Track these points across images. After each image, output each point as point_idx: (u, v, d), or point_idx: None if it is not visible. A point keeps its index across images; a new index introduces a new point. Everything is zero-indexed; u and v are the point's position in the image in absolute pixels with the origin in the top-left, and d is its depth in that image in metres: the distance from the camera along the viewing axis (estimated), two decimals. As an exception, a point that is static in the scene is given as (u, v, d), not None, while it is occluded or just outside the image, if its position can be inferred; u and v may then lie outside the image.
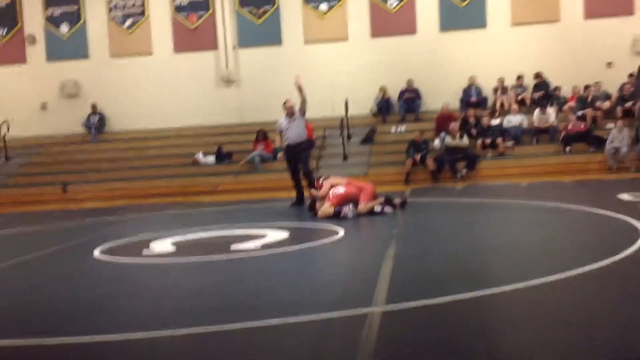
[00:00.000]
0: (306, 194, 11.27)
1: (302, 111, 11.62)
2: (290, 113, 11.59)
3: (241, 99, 19.42)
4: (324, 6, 18.85)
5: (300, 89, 11.40)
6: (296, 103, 11.56)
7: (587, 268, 5.45)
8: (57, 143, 19.49)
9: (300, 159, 11.61)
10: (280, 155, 12.06)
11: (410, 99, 18.31)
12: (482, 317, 4.34)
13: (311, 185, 11.05)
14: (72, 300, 5.61)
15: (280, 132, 11.78)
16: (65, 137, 19.69)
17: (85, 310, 5.26)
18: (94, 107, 19.52)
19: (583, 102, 17.05)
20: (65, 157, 18.87)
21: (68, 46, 19.86)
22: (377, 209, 9.58)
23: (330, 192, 9.69)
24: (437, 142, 16.28)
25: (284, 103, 11.80)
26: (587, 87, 17.33)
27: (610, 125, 16.26)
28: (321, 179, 10.20)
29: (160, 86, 19.48)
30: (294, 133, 11.54)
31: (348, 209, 9.30)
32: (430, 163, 15.55)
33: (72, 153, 19.02)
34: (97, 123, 19.50)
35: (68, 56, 19.82)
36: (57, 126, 19.75)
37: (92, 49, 19.85)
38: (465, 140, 15.85)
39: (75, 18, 19.85)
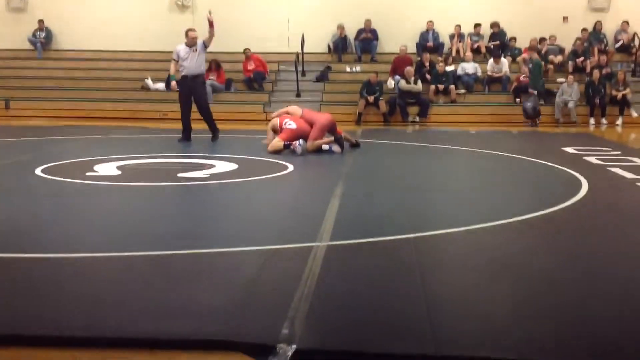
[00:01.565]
0: (196, 127, 11.06)
1: (205, 45, 11.01)
2: (191, 44, 10.94)
3: (195, 26, 18.72)
4: (285, -64, 18.31)
5: (210, 24, 10.86)
6: (203, 35, 11.04)
7: (527, 216, 5.58)
8: (0, 57, 18.76)
9: (196, 92, 11.06)
10: (173, 84, 11.38)
11: (367, 39, 18.15)
12: (420, 256, 4.43)
13: (209, 121, 10.84)
14: (9, 217, 5.49)
15: (177, 61, 10.99)
16: (9, 51, 18.95)
17: (22, 227, 5.16)
18: (40, 22, 18.77)
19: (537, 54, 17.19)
20: (9, 72, 18.20)
21: (16, -43, 18.93)
22: (325, 147, 9.58)
23: (283, 122, 9.62)
24: (390, 83, 16.26)
25: (187, 31, 11.12)
26: (542, 40, 17.45)
27: (561, 79, 16.48)
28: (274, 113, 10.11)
29: (112, 6, 18.78)
30: (194, 64, 10.89)
31: (298, 144, 9.27)
32: (382, 105, 15.56)
33: (17, 69, 18.36)
34: (43, 39, 18.81)
35: (15, -32, 18.92)
36: (1, 40, 18.97)
37: (41, -39, 18.99)
38: (419, 85, 15.87)
39: None
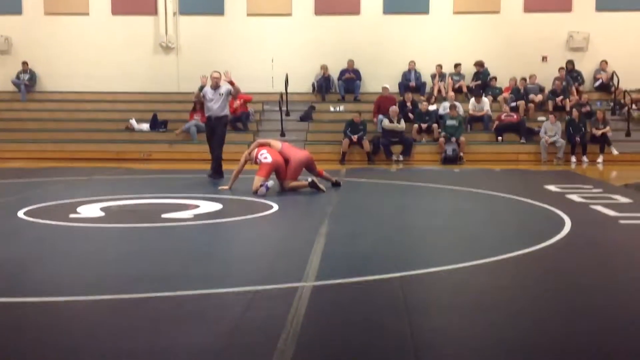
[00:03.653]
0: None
1: (232, 94, 11.64)
2: (215, 85, 11.44)
3: (179, 67, 19.06)
4: (268, -21, 18.58)
5: (231, 83, 11.45)
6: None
7: (512, 254, 5.61)
8: (-17, 99, 18.75)
9: (217, 132, 11.50)
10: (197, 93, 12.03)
11: (350, 79, 18.35)
12: (407, 296, 4.42)
13: (217, 160, 11.36)
14: (-7, 261, 5.43)
15: (202, 97, 11.66)
16: (-7, 93, 18.97)
17: (5, 271, 5.10)
18: (24, 64, 18.83)
19: (517, 93, 17.44)
20: (-8, 114, 18.20)
21: (0, 1, 19.03)
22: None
23: (259, 155, 9.60)
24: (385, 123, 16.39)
25: (212, 74, 11.62)
26: (522, 79, 17.72)
27: (541, 117, 16.71)
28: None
29: (95, 48, 18.90)
30: (218, 107, 11.42)
31: (264, 188, 9.21)
32: (366, 144, 15.66)
33: (0, 110, 18.35)
34: (27, 81, 18.84)
35: (0, 11, 19.02)
36: (-15, 82, 19.01)
37: (25, 5, 19.06)
38: (402, 124, 16.01)
39: (9, -29, 19.05)
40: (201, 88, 11.75)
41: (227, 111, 11.74)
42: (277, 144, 10.01)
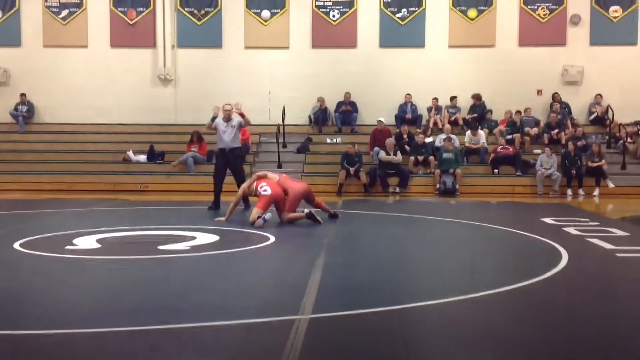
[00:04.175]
0: (224, 198, 11.38)
1: (242, 125, 11.81)
2: (227, 118, 11.55)
3: (177, 99, 19.18)
4: (266, 13, 18.74)
5: (242, 115, 11.65)
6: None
7: (508, 287, 5.60)
8: (-19, 131, 18.79)
9: (234, 165, 11.59)
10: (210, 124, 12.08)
11: (347, 111, 18.46)
12: (405, 329, 4.40)
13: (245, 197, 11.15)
14: (-12, 293, 5.40)
15: (214, 128, 11.75)
16: (-10, 125, 19.02)
17: (0, 303, 5.07)
18: (22, 96, 18.91)
19: (513, 126, 17.55)
20: (-11, 146, 18.22)
21: (0, 33, 19.19)
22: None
23: (259, 186, 9.63)
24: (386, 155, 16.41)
25: (223, 106, 11.74)
26: (517, 112, 17.84)
27: (537, 150, 16.79)
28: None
29: (94, 80, 19.03)
30: (230, 139, 11.54)
31: (261, 220, 9.22)
32: (363, 176, 15.70)
33: (-3, 142, 18.40)
34: (25, 113, 18.90)
35: (-1, 43, 19.18)
36: (-17, 114, 19.07)
37: (25, 36, 19.23)
38: (399, 156, 16.07)
39: (9, 4, 19.21)
40: (213, 118, 11.84)
41: (238, 142, 11.83)
42: (275, 176, 10.04)
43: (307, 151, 17.60)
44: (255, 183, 9.79)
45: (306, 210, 9.69)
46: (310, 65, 18.79)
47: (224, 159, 11.65)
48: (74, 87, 19.00)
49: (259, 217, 9.22)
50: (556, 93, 18.30)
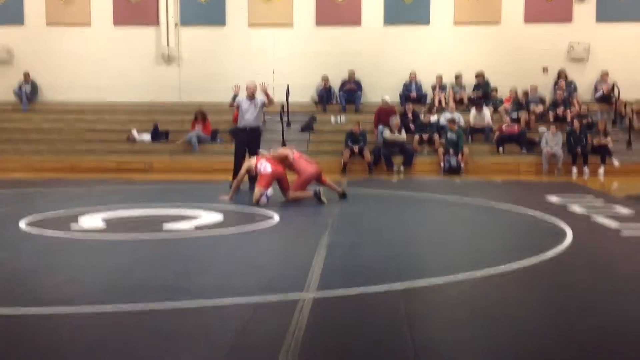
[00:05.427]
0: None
1: (265, 105, 11.71)
2: (251, 96, 11.49)
3: (181, 78, 19.11)
4: (270, -10, 18.67)
5: (267, 94, 11.51)
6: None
7: (513, 266, 5.59)
8: (-15, 110, 18.78)
9: (253, 143, 11.52)
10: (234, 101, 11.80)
11: (351, 90, 18.38)
12: (408, 308, 4.41)
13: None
14: (-6, 272, 5.42)
15: (237, 107, 11.69)
16: (-6, 104, 19.01)
17: (6, 282, 5.10)
18: (26, 75, 18.87)
19: (518, 104, 17.45)
20: (-7, 125, 18.22)
21: (2, 11, 19.10)
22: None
23: (259, 165, 9.62)
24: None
25: (247, 84, 11.67)
26: (525, 94, 17.72)
27: (542, 128, 16.71)
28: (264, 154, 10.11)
29: (97, 59, 18.96)
30: (253, 117, 11.51)
31: (264, 197, 9.24)
32: (367, 155, 15.67)
33: (1, 121, 18.36)
34: (28, 92, 18.87)
35: (2, 22, 19.06)
36: (-14, 93, 19.05)
37: (27, 15, 19.15)
38: (403, 135, 16.02)
39: (11, -18, 19.13)
40: (234, 97, 11.74)
41: (261, 122, 11.79)
42: (289, 153, 10.01)
43: (311, 130, 17.56)
44: (254, 161, 9.79)
45: (314, 189, 9.68)
46: (314, 43, 18.69)
47: (244, 137, 11.58)
48: (78, 66, 18.94)
49: (261, 195, 9.23)
50: (562, 70, 18.18)
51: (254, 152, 11.36)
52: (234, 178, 11.52)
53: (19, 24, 19.12)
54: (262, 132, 12.19)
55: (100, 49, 18.95)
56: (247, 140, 11.51)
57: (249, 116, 11.49)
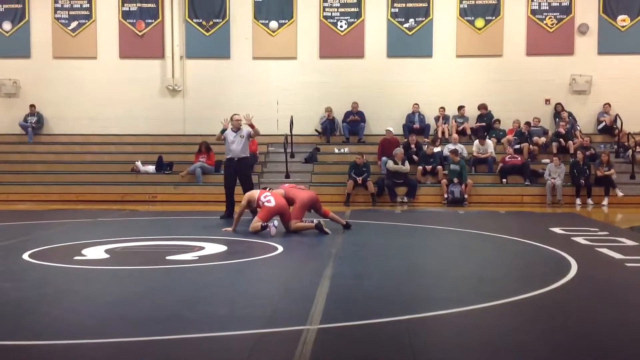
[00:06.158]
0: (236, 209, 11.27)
1: (251, 136, 11.97)
2: (236, 127, 11.67)
3: (185, 109, 19.25)
4: (273, 24, 18.86)
5: (251, 126, 11.75)
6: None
7: (518, 297, 5.57)
8: (-9, 142, 18.90)
9: (242, 174, 11.68)
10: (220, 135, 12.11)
11: (355, 121, 18.48)
12: (413, 339, 4.38)
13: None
14: (-3, 303, 5.42)
15: (223, 139, 11.89)
16: (0, 136, 19.11)
17: (8, 313, 5.09)
18: (32, 107, 19.02)
19: (521, 135, 17.51)
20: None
21: (10, 44, 19.33)
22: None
23: (262, 197, 9.61)
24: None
25: (232, 117, 11.87)
26: (526, 124, 17.78)
27: (545, 159, 16.74)
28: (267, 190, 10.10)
29: (103, 91, 19.11)
30: (239, 148, 11.67)
31: (272, 225, 9.26)
32: (370, 186, 15.69)
33: (7, 153, 18.47)
34: (34, 124, 19.00)
35: (9, 54, 19.28)
36: (-7, 125, 19.19)
37: (34, 48, 19.36)
38: (407, 166, 16.06)
39: (19, 16, 19.36)
40: (223, 131, 11.93)
41: (247, 152, 11.98)
42: (280, 191, 10.01)
43: (315, 161, 17.61)
44: (258, 193, 9.78)
45: (315, 221, 9.68)
46: (318, 75, 18.83)
47: (232, 168, 11.77)
48: (83, 98, 19.09)
49: (263, 226, 9.23)
50: (558, 103, 18.24)
51: (245, 181, 11.55)
52: (226, 208, 11.59)
53: (26, 56, 19.32)
54: (256, 161, 12.33)
55: (106, 82, 19.11)
56: (236, 171, 11.72)
57: (234, 147, 11.71)
